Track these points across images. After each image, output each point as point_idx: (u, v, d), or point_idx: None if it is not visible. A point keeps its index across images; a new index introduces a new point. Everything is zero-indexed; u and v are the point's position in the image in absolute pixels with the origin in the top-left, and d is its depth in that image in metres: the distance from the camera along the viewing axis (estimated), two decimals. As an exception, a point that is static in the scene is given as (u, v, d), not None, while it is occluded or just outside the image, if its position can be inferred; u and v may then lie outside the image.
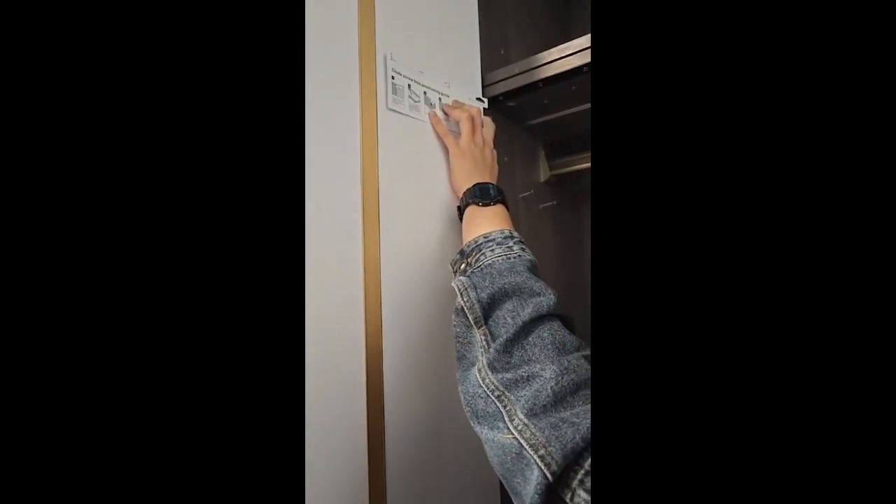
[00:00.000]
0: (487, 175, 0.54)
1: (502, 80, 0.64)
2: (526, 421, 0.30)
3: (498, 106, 0.67)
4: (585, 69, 0.56)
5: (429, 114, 0.55)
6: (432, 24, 0.57)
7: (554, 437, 0.28)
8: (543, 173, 0.86)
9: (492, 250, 0.44)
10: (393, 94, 0.50)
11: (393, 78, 0.50)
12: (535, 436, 0.29)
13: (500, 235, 0.45)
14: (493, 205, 0.50)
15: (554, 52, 0.58)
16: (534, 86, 0.61)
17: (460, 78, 0.61)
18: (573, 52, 0.56)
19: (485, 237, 0.46)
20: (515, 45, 0.78)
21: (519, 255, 0.43)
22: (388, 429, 0.45)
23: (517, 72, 0.62)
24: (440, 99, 0.57)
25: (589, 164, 0.82)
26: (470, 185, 0.52)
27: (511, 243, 0.44)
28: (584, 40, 0.55)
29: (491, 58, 0.69)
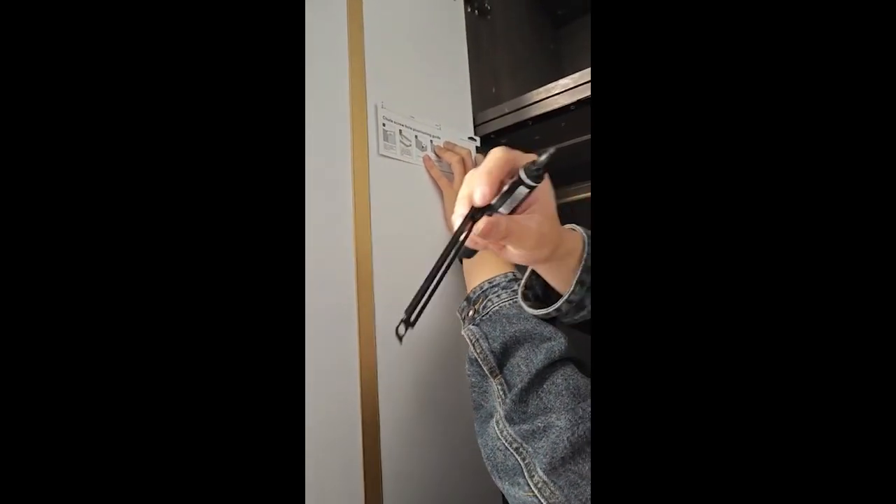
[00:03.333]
0: None
1: (493, 119, 0.65)
2: (545, 478, 0.30)
3: (491, 143, 0.68)
4: (573, 107, 0.57)
5: (423, 158, 0.56)
6: (422, 68, 0.59)
7: (574, 496, 0.28)
8: (541, 204, 0.87)
9: (498, 296, 0.44)
10: (384, 140, 0.52)
11: (384, 125, 0.52)
12: (554, 494, 0.29)
13: (503, 279, 0.45)
14: None
15: (542, 92, 0.59)
16: (524, 124, 0.62)
17: (452, 119, 0.62)
18: (561, 91, 0.58)
19: (489, 282, 0.46)
20: (506, 83, 0.80)
21: None
22: (385, 472, 0.45)
23: (507, 111, 0.63)
24: (432, 141, 0.58)
25: (588, 194, 0.82)
26: None
27: (516, 286, 0.44)
28: (570, 80, 0.57)
29: (482, 97, 0.70)
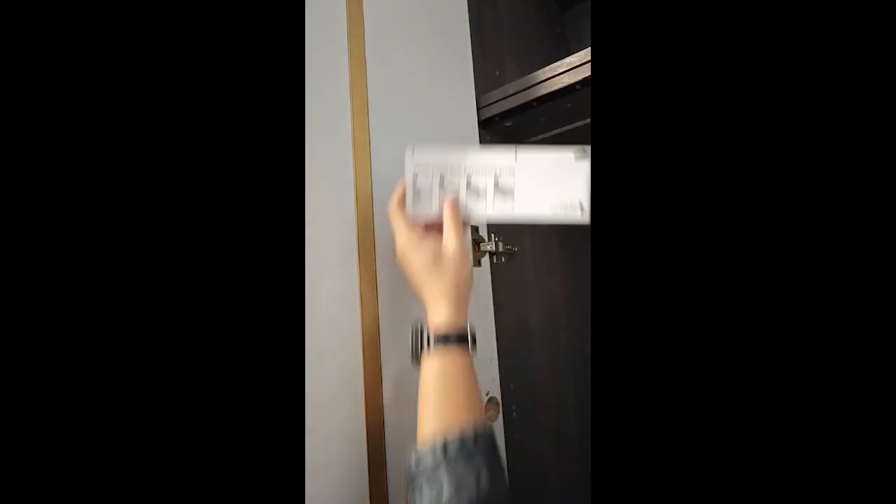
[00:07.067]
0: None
1: (497, 101, 0.63)
2: None
3: (494, 126, 0.67)
4: (578, 87, 0.55)
5: (447, 204, 0.43)
6: (424, 51, 0.58)
7: None
8: (548, 190, 0.85)
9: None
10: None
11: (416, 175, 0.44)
12: None
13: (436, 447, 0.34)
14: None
15: (547, 71, 0.57)
16: (528, 105, 0.61)
17: (455, 101, 0.61)
18: (565, 70, 0.56)
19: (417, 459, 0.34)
20: (511, 66, 0.78)
21: None
22: (389, 464, 0.44)
23: (511, 92, 0.61)
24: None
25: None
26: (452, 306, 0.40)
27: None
28: (576, 58, 0.55)
29: (486, 80, 0.69)
